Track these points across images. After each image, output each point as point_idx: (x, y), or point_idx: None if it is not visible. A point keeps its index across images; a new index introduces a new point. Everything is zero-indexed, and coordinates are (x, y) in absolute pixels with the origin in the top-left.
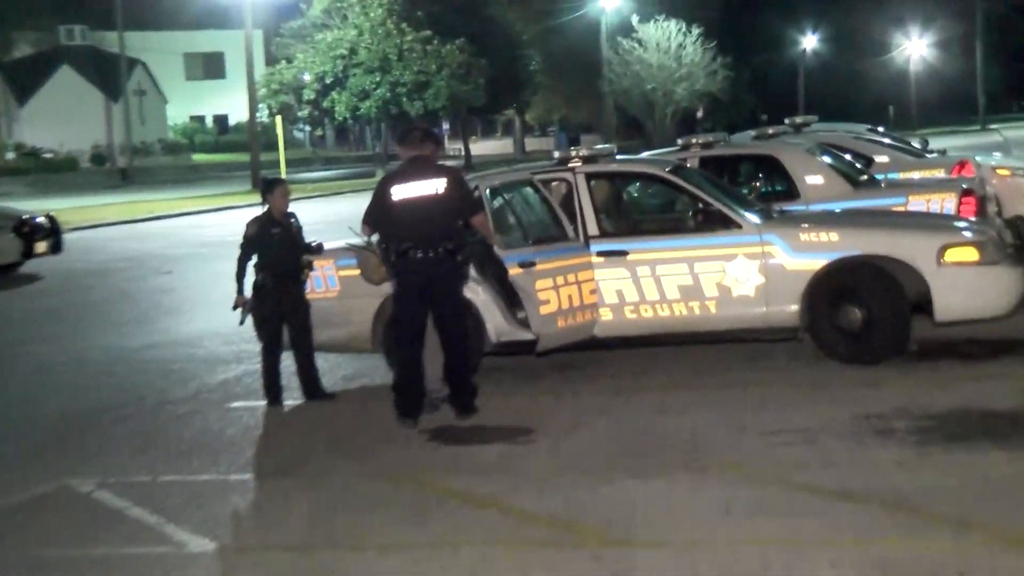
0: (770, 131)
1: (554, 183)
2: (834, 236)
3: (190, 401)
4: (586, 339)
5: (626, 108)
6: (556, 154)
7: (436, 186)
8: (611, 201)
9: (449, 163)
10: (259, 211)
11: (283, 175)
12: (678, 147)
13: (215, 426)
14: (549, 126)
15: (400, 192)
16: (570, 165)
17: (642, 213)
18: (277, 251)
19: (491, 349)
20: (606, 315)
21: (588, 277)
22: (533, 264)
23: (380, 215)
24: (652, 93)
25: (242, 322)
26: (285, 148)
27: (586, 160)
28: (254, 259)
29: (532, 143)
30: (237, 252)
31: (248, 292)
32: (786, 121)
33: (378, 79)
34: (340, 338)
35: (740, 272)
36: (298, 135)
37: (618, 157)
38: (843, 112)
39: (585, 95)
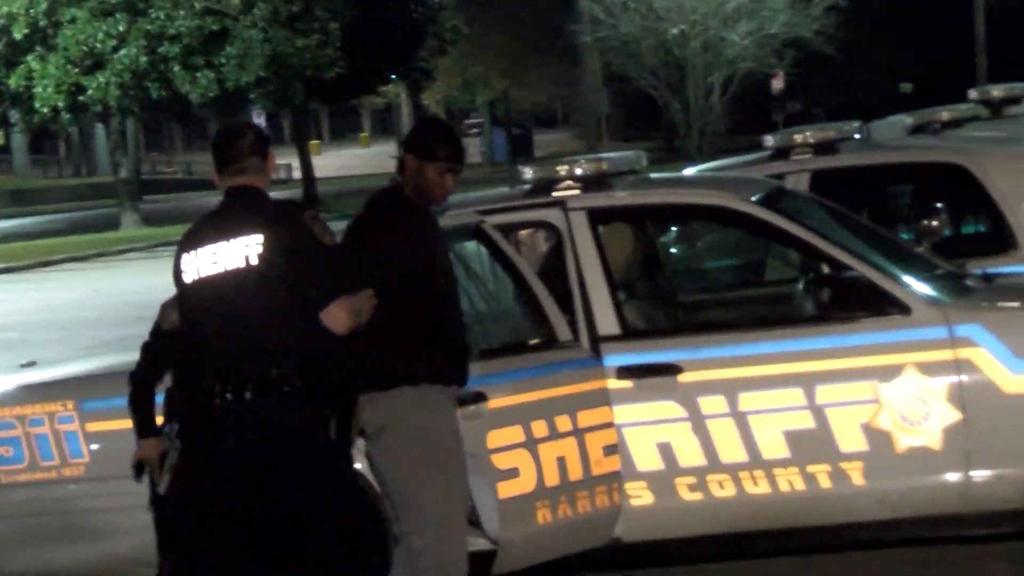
0: (943, 115)
1: (526, 231)
2: None
3: None
4: (599, 546)
5: (628, 77)
6: (527, 173)
7: (246, 250)
8: (642, 265)
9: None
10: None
11: None
12: (767, 152)
13: None
14: (470, 115)
15: (193, 265)
16: (558, 194)
17: (705, 288)
18: None
19: None
20: (639, 497)
21: (600, 420)
22: (481, 398)
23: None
24: (681, 45)
25: (162, 491)
26: None
27: (590, 184)
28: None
29: None
30: (127, 358)
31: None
32: (971, 95)
33: (122, 28)
34: (89, 560)
35: (910, 402)
36: None
37: (653, 176)
38: None
39: (543, 55)
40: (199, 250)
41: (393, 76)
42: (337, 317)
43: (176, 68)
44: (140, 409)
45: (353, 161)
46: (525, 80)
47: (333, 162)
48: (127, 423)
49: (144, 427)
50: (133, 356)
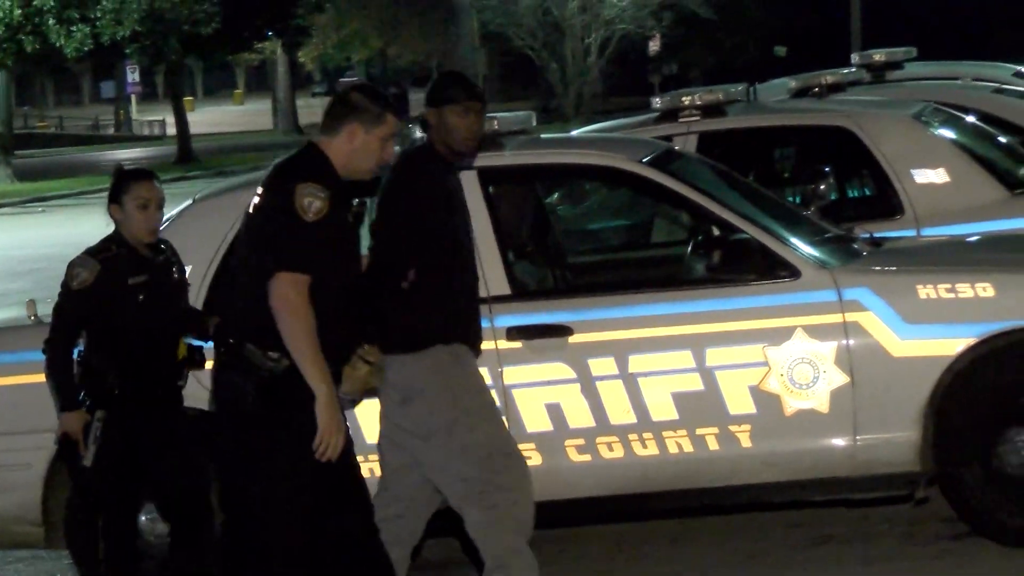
0: (826, 79)
1: None
2: (986, 289)
3: None
4: None
5: (506, 37)
6: (417, 133)
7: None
8: (533, 225)
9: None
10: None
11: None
12: (654, 113)
13: None
14: (346, 74)
15: None
16: None
17: (595, 249)
18: (141, 321)
19: None
20: (528, 459)
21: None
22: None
23: None
24: (559, 5)
25: (88, 464)
26: None
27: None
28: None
29: (311, 109)
30: (46, 327)
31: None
32: (854, 59)
33: None
34: None
35: (799, 365)
36: None
37: (543, 136)
38: (949, 41)
39: (420, 13)
40: None
41: (269, 33)
42: (276, 291)
43: (51, 21)
44: (61, 379)
45: (227, 118)
46: (402, 38)
47: (207, 118)
48: (13, 379)
49: (68, 399)
50: (12, 312)
